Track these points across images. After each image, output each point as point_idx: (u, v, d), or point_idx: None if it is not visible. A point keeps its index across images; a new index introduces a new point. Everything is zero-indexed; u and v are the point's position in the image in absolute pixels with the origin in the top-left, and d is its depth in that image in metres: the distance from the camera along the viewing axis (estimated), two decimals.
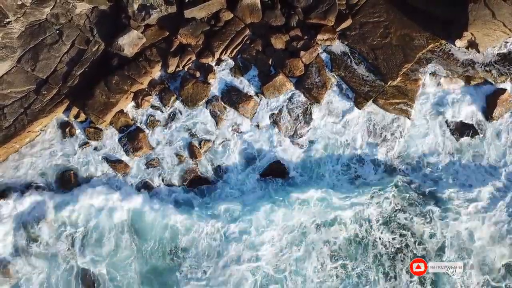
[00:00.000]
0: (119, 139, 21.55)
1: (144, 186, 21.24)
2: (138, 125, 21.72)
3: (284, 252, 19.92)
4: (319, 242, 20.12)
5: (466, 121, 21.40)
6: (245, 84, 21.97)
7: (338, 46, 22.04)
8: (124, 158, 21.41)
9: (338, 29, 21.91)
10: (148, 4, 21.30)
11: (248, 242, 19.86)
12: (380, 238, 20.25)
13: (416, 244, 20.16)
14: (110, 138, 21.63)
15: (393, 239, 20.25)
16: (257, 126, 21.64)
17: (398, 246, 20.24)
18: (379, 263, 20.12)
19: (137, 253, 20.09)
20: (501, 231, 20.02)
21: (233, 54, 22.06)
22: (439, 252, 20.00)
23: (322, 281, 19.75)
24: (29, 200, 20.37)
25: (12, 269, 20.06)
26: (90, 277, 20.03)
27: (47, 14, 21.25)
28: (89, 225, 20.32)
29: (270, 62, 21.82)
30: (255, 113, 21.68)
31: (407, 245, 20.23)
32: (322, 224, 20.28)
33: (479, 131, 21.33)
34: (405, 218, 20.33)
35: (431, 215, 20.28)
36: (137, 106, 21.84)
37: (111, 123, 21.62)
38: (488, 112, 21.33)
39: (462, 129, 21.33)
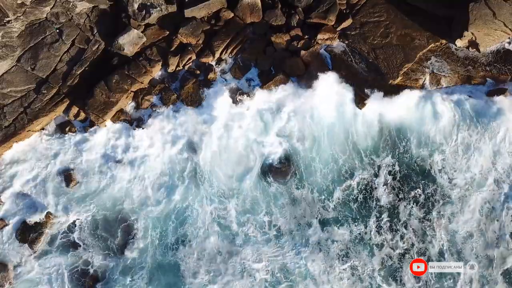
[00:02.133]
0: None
1: None
2: (139, 124, 21.71)
3: None
4: None
5: None
6: (245, 84, 21.95)
7: (338, 46, 22.04)
8: None
9: (338, 29, 21.91)
10: (148, 3, 21.26)
11: None
12: None
13: None
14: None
15: None
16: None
17: None
18: None
19: None
20: None
21: (233, 54, 22.05)
22: None
23: None
24: None
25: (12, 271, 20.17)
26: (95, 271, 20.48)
27: (47, 13, 21.19)
28: None
29: (270, 62, 21.80)
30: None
31: None
32: None
33: None
34: None
35: None
36: (137, 105, 21.83)
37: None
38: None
39: None
